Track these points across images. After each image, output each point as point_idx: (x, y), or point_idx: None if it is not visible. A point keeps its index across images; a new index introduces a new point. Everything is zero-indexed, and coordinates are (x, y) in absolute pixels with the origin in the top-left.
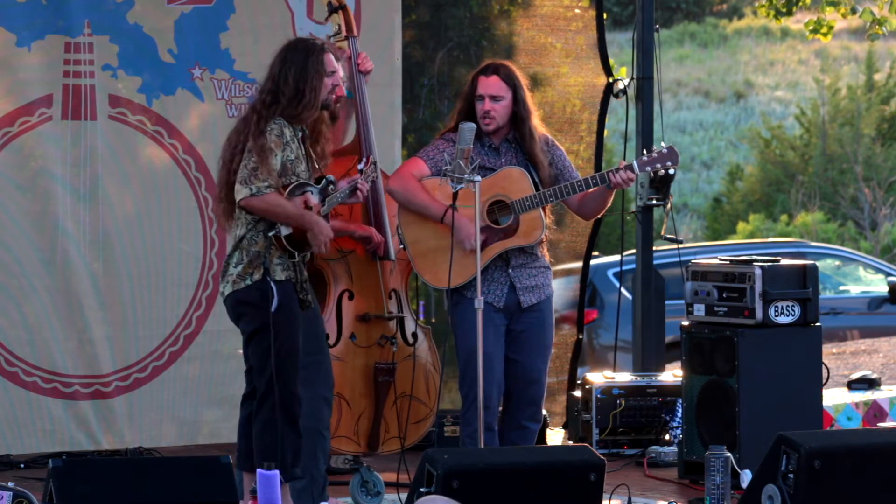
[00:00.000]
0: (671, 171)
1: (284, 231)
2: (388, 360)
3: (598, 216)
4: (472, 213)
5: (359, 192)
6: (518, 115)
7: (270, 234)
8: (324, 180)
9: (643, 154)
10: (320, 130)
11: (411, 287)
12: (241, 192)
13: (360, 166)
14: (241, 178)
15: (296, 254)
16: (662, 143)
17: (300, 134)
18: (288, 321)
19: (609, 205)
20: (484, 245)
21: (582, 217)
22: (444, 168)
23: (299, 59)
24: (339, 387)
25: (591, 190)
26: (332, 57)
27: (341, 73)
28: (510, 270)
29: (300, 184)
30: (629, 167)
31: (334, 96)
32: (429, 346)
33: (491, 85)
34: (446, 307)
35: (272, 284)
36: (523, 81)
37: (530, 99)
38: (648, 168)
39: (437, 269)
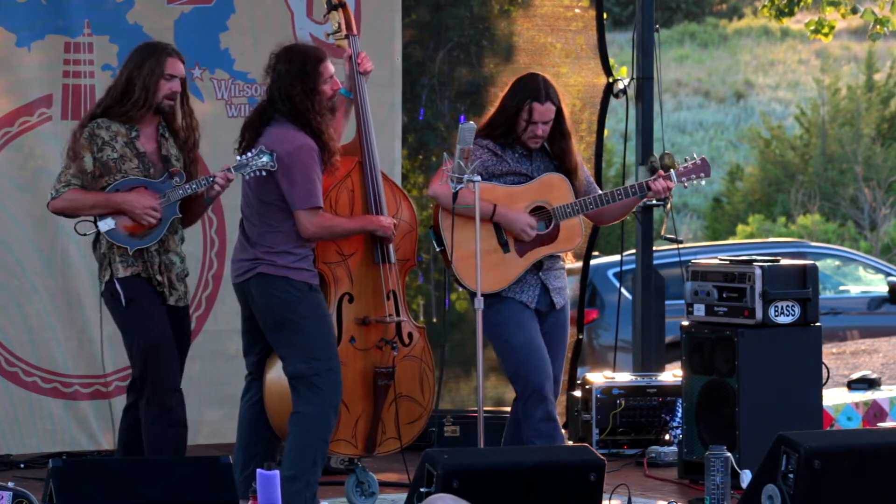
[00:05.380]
0: (702, 183)
1: (104, 227)
2: (388, 363)
3: (616, 223)
4: (522, 207)
5: (216, 185)
6: (561, 132)
7: (90, 232)
8: (165, 174)
9: (680, 165)
10: (176, 130)
11: (411, 287)
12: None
13: (238, 157)
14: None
15: (128, 248)
16: (695, 154)
17: (134, 133)
18: (138, 315)
19: (630, 211)
20: (526, 250)
21: (598, 223)
22: (444, 168)
23: (139, 57)
24: None
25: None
26: (177, 63)
27: (178, 82)
28: (541, 273)
29: (128, 180)
30: (668, 177)
31: (172, 102)
32: (423, 346)
33: (546, 113)
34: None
35: (116, 284)
36: (562, 97)
37: (568, 114)
38: (685, 178)
39: (470, 275)
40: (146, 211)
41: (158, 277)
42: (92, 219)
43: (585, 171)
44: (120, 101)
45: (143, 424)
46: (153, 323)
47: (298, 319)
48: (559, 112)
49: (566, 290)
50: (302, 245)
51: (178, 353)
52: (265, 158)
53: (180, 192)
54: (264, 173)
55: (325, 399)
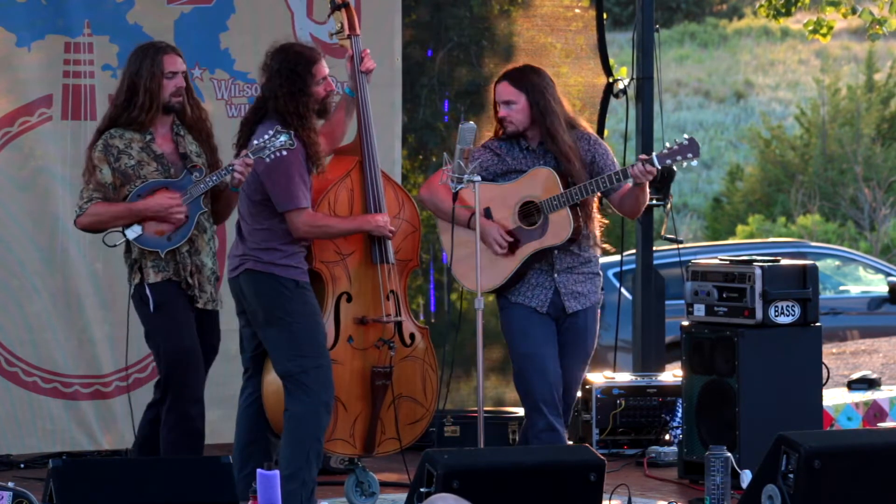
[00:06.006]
0: (693, 163)
1: (131, 234)
2: (386, 363)
3: (639, 214)
4: (501, 218)
5: (235, 173)
6: (534, 119)
7: (119, 242)
8: (184, 171)
9: (664, 147)
10: (189, 125)
11: (411, 286)
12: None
13: (255, 141)
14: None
15: (159, 252)
16: (685, 136)
17: (148, 137)
18: (167, 322)
19: (644, 201)
20: (516, 247)
21: (625, 216)
22: (444, 168)
23: (136, 61)
24: (336, 389)
25: (625, 187)
26: (174, 58)
27: (181, 78)
28: (555, 275)
29: (149, 183)
30: (649, 160)
31: (179, 98)
32: (426, 347)
33: (502, 92)
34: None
35: (147, 289)
36: (542, 82)
37: (553, 99)
38: (668, 161)
39: (473, 273)
40: (169, 210)
41: (189, 280)
42: (119, 228)
43: (607, 161)
44: (126, 109)
45: (162, 430)
46: (180, 330)
47: (285, 316)
48: (542, 108)
49: (591, 295)
50: (289, 242)
51: (209, 360)
52: (283, 138)
53: (202, 186)
54: (285, 153)
55: (315, 397)
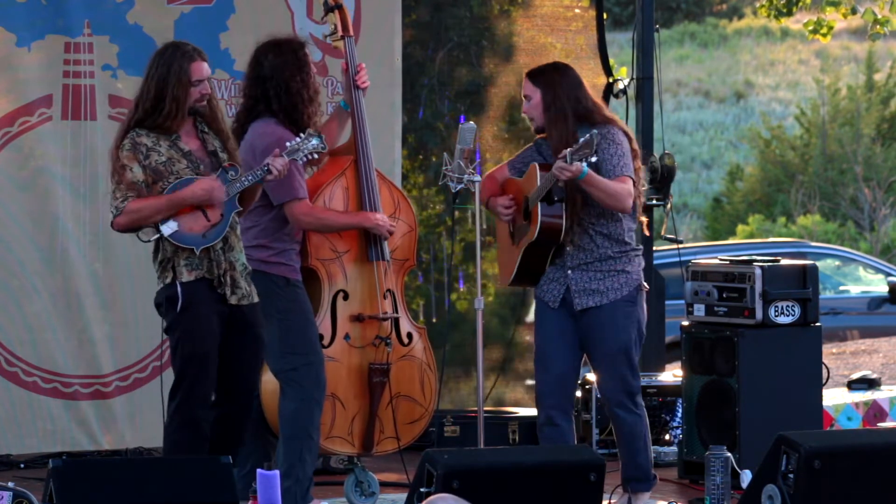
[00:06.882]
0: (592, 160)
1: (166, 230)
2: (383, 360)
3: (612, 206)
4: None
5: (272, 169)
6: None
7: (154, 238)
8: (220, 169)
9: (576, 143)
10: (212, 125)
11: (411, 287)
12: (111, 219)
13: (288, 143)
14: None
15: (195, 249)
16: (595, 132)
17: (174, 136)
18: (191, 323)
19: (600, 195)
20: (519, 239)
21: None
22: (444, 168)
23: (163, 66)
24: (333, 387)
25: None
26: (201, 65)
27: (207, 84)
28: (568, 272)
29: (184, 180)
30: (563, 157)
31: (203, 103)
32: (424, 346)
33: (523, 87)
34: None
35: (178, 288)
36: (558, 78)
37: (564, 94)
38: (576, 157)
39: (500, 268)
40: (213, 196)
41: (223, 278)
42: (153, 224)
43: (604, 155)
44: (152, 115)
45: (166, 429)
46: (203, 334)
47: (275, 314)
48: (548, 103)
49: (609, 293)
50: (278, 239)
51: (252, 351)
52: (315, 141)
53: (238, 185)
54: (316, 156)
55: (305, 394)
